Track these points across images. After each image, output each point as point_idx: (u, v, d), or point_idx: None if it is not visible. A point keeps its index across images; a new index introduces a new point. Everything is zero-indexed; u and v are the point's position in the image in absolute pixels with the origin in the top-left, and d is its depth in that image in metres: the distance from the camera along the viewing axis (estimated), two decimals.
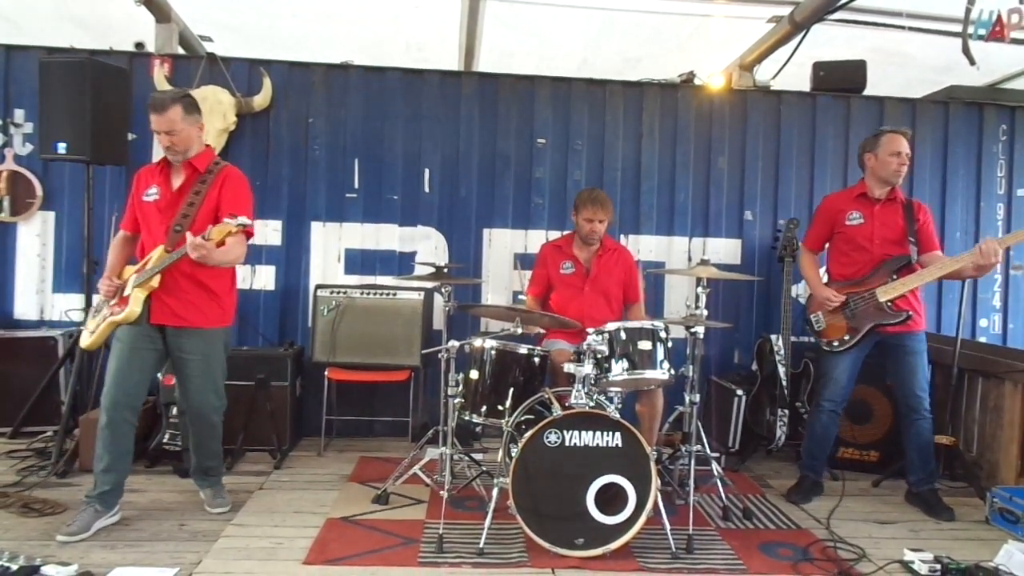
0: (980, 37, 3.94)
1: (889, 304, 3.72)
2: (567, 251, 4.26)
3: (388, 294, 4.74)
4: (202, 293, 3.33)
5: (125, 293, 3.25)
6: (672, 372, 3.48)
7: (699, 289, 3.58)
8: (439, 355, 3.59)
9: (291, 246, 5.00)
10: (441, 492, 3.48)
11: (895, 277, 3.73)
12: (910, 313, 3.70)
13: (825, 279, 4.04)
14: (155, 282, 3.19)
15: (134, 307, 3.18)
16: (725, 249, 5.22)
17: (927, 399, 3.82)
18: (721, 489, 3.67)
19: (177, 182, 3.33)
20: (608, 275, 4.21)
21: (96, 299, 3.47)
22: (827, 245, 4.06)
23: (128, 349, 3.26)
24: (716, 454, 3.83)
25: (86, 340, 3.40)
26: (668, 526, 3.17)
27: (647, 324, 3.51)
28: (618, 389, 3.63)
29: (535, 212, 5.12)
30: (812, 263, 4.10)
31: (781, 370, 4.48)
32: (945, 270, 3.63)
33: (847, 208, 3.91)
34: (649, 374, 3.43)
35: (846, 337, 3.83)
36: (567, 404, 3.28)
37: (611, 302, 4.21)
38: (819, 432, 3.98)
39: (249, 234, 3.27)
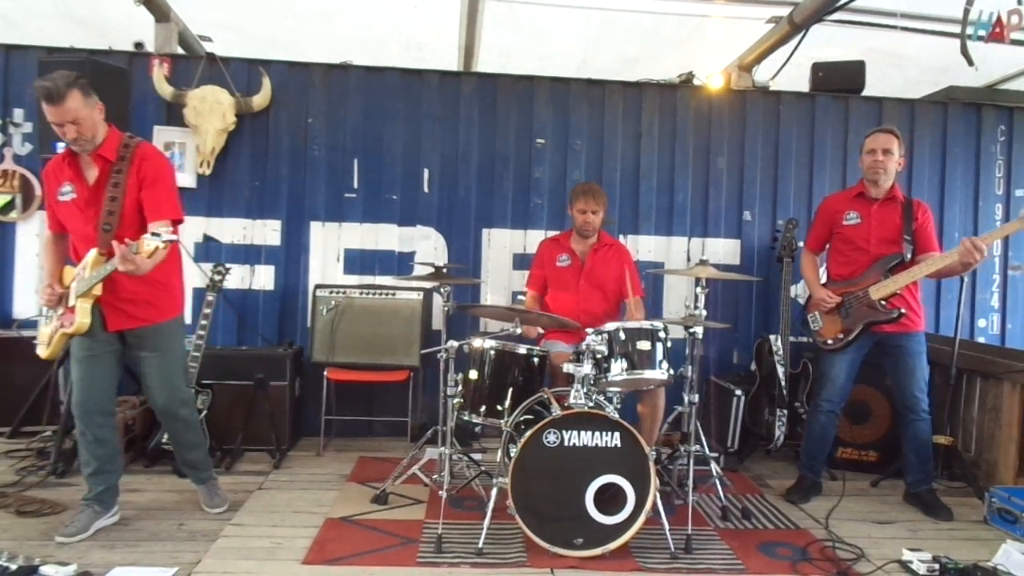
0: (979, 38, 3.94)
1: (882, 302, 3.72)
2: (565, 245, 4.27)
3: (387, 294, 4.74)
4: (153, 288, 3.21)
5: (70, 303, 3.14)
6: (671, 372, 3.48)
7: (698, 289, 3.58)
8: (438, 355, 3.59)
9: (290, 246, 5.00)
10: (440, 492, 3.48)
11: (888, 275, 3.74)
12: (902, 311, 3.70)
13: (825, 279, 4.05)
14: (97, 291, 3.07)
15: (82, 319, 3.07)
16: (724, 249, 5.22)
17: (925, 400, 3.82)
18: (720, 489, 3.67)
19: (91, 175, 3.12)
20: (604, 268, 4.20)
21: (42, 306, 3.34)
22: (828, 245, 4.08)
23: (88, 359, 3.18)
24: (715, 454, 3.84)
25: (43, 352, 3.29)
26: (667, 526, 3.18)
27: (646, 324, 3.51)
28: (617, 389, 3.64)
29: (534, 212, 5.13)
30: (811, 264, 4.10)
31: (780, 370, 4.49)
32: (934, 267, 3.64)
33: (844, 208, 3.92)
34: (648, 374, 3.43)
35: (840, 335, 3.84)
36: (566, 404, 3.29)
37: (608, 296, 4.20)
38: (817, 432, 3.99)
39: (178, 222, 3.18)
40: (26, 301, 4.87)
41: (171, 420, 3.46)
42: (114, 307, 3.17)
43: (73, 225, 3.18)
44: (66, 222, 3.21)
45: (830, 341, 3.88)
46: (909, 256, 3.75)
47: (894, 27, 4.87)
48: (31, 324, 4.79)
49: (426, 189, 5.07)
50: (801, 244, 4.39)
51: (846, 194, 4.04)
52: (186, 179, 4.77)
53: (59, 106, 2.93)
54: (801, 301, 5.09)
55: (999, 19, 3.89)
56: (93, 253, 3.07)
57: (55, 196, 3.18)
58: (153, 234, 2.78)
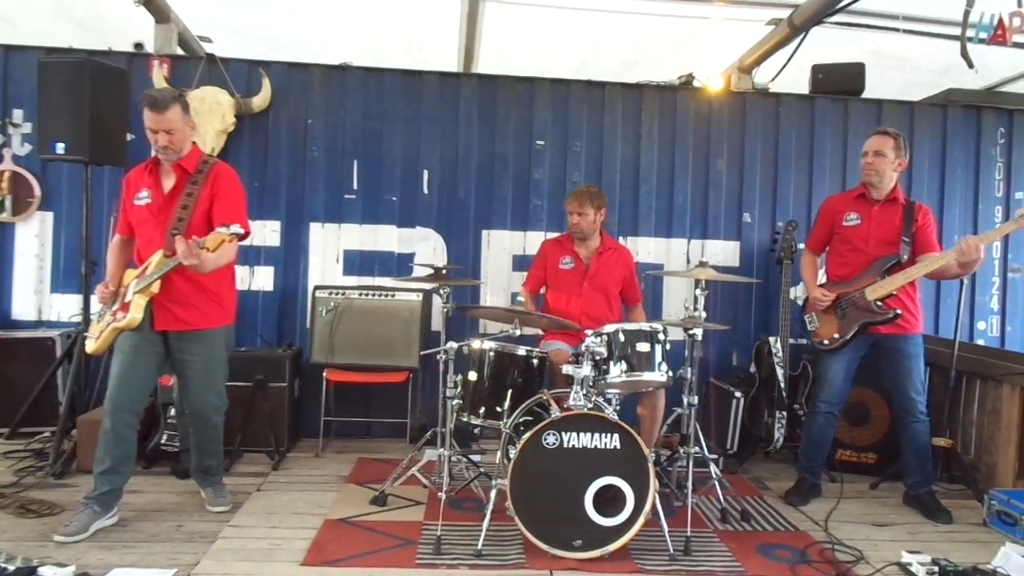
0: (981, 41, 3.93)
1: (878, 303, 3.72)
2: (568, 247, 4.27)
3: (386, 295, 4.74)
4: (202, 295, 3.33)
5: (126, 299, 3.25)
6: (670, 374, 3.48)
7: (697, 291, 3.58)
8: (437, 356, 3.59)
9: (289, 247, 4.99)
10: (439, 494, 3.48)
11: (884, 276, 3.74)
12: (898, 311, 3.70)
13: (824, 279, 4.05)
14: (155, 288, 3.19)
15: (136, 313, 3.19)
16: (724, 251, 5.22)
17: (922, 401, 3.82)
18: (719, 491, 3.67)
19: (168, 184, 3.31)
20: (607, 273, 4.21)
21: (98, 304, 3.46)
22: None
23: (131, 354, 3.26)
24: (714, 456, 3.84)
25: (91, 346, 3.38)
26: (666, 528, 3.17)
27: (645, 326, 3.52)
28: (616, 391, 3.63)
29: (534, 214, 5.13)
30: (810, 264, 4.11)
31: (779, 372, 4.49)
32: (930, 267, 3.64)
33: (845, 209, 3.92)
34: (647, 376, 3.43)
35: (836, 336, 3.84)
36: (565, 406, 3.28)
37: (610, 301, 4.22)
38: (816, 434, 3.98)
39: (244, 236, 3.24)
40: (24, 302, 4.87)
41: (202, 425, 3.52)
42: (163, 307, 3.27)
43: (142, 229, 3.33)
44: (137, 225, 3.36)
45: (826, 341, 3.88)
46: (906, 258, 3.74)
47: (894, 29, 4.87)
48: (30, 325, 4.82)
49: (425, 190, 5.07)
50: (801, 246, 4.39)
51: (847, 195, 4.03)
52: None
53: (160, 115, 3.17)
54: (800, 303, 5.10)
55: (1000, 21, 3.88)
56: (158, 254, 3.21)
57: (132, 200, 3.36)
58: (222, 227, 2.96)
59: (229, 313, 3.51)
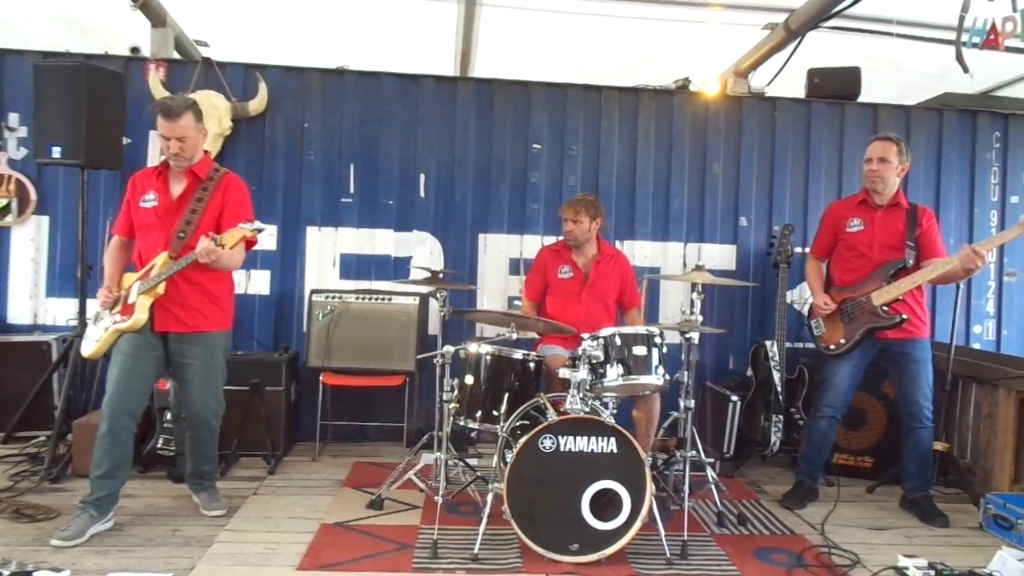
0: (974, 45, 3.94)
1: (884, 308, 3.73)
2: (565, 255, 4.27)
3: (383, 299, 4.74)
4: (204, 298, 3.36)
5: (129, 301, 3.26)
6: (667, 377, 3.48)
7: (694, 294, 3.58)
8: (434, 360, 3.59)
9: (286, 251, 4.99)
10: (436, 497, 3.47)
11: (890, 281, 3.74)
12: (904, 316, 3.70)
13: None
14: (161, 289, 3.22)
15: (140, 315, 3.20)
16: (720, 255, 5.23)
17: (929, 408, 3.81)
18: (716, 495, 3.67)
19: (177, 188, 3.35)
20: (606, 281, 4.22)
21: (95, 307, 3.47)
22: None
23: (131, 357, 3.27)
24: (711, 460, 3.84)
25: (89, 349, 3.38)
26: (663, 532, 3.17)
27: (642, 329, 3.52)
28: (613, 394, 3.63)
29: (530, 217, 5.13)
30: (815, 270, 4.10)
31: (776, 376, 4.49)
32: (935, 272, 3.65)
33: (848, 215, 3.93)
34: (644, 379, 3.43)
35: (842, 340, 3.84)
36: (562, 409, 3.28)
37: (609, 308, 4.23)
38: (817, 438, 3.98)
39: (252, 243, 3.32)
40: (20, 306, 4.86)
41: (201, 428, 3.53)
42: (164, 308, 3.29)
43: (146, 231, 3.36)
44: (140, 227, 3.39)
45: (832, 347, 3.89)
46: (912, 262, 3.75)
47: (890, 34, 4.89)
48: (25, 330, 4.81)
49: (422, 194, 5.07)
50: (797, 250, 4.40)
51: (850, 201, 4.04)
52: None
53: (173, 122, 3.22)
54: (797, 307, 5.12)
55: (993, 26, 3.89)
56: (163, 256, 3.23)
57: (137, 201, 3.38)
58: (245, 222, 3.07)
59: (229, 317, 3.53)
